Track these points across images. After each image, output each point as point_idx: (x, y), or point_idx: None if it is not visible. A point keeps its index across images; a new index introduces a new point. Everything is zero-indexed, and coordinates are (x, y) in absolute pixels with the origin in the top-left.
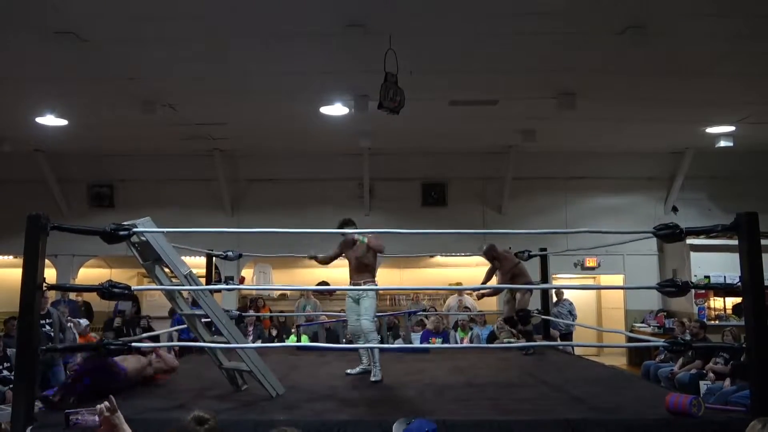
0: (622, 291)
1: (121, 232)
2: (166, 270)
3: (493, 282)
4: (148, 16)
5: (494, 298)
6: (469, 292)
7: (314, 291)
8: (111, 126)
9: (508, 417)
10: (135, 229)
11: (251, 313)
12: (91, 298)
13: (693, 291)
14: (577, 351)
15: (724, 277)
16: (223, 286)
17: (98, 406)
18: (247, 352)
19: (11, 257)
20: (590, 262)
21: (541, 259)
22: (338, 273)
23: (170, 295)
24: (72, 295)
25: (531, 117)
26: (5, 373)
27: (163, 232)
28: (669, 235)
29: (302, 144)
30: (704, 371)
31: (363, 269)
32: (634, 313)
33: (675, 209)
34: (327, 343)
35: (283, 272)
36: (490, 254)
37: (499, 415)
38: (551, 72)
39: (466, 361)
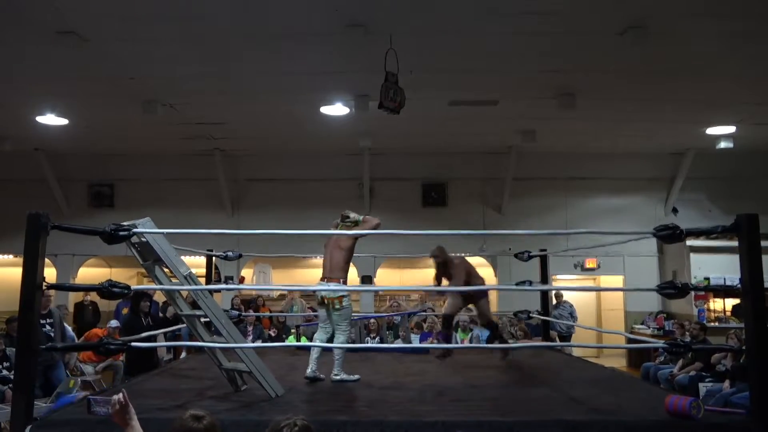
0: (621, 292)
1: (121, 233)
2: (166, 270)
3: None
4: (148, 16)
5: (494, 298)
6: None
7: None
8: (111, 125)
9: (507, 418)
10: (135, 230)
11: (251, 313)
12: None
13: (693, 293)
14: (577, 352)
15: (724, 278)
16: (223, 286)
17: (113, 397)
18: (246, 353)
19: (11, 256)
20: (590, 263)
21: (541, 260)
22: None
23: (170, 295)
24: (79, 295)
25: (531, 117)
26: (5, 372)
27: (163, 233)
28: (669, 235)
29: (302, 144)
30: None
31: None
32: (633, 315)
33: (675, 210)
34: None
35: (282, 272)
36: (441, 257)
37: (499, 416)
38: (551, 72)
39: (466, 361)
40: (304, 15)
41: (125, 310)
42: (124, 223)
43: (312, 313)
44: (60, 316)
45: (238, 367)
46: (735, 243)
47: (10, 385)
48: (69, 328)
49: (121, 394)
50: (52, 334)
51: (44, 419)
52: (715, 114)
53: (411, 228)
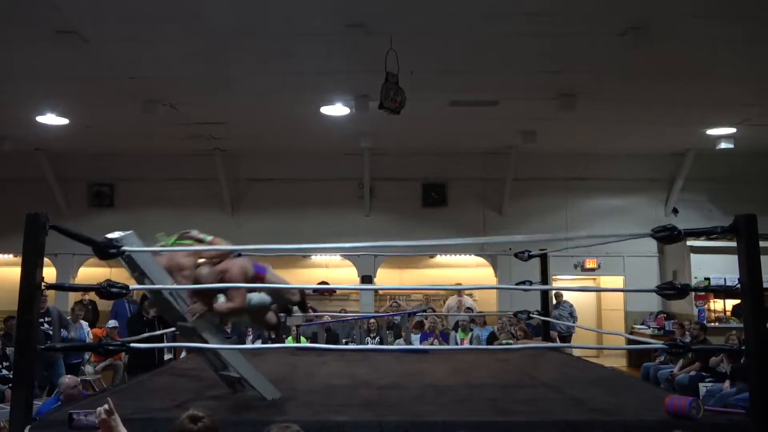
0: (621, 292)
1: (111, 250)
2: None
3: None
4: (149, 15)
5: (494, 298)
6: (468, 292)
7: (314, 290)
8: (112, 125)
9: (507, 418)
10: (123, 248)
11: None
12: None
13: (693, 293)
14: (577, 352)
15: (724, 279)
16: (223, 284)
17: (98, 409)
18: (234, 361)
19: (11, 256)
20: (590, 263)
21: (541, 260)
22: (340, 273)
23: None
24: (78, 295)
25: (531, 118)
26: (4, 372)
27: (149, 251)
28: (667, 237)
29: (302, 144)
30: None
31: None
32: (633, 315)
33: (675, 211)
34: (326, 343)
35: (282, 272)
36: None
37: (499, 416)
38: (552, 73)
39: (466, 362)
40: (304, 15)
41: None
42: (111, 235)
43: (313, 314)
44: (59, 314)
45: (229, 374)
46: (735, 243)
47: (10, 385)
48: (88, 330)
49: (107, 405)
50: (51, 332)
51: (44, 419)
52: (715, 115)
53: (411, 228)
